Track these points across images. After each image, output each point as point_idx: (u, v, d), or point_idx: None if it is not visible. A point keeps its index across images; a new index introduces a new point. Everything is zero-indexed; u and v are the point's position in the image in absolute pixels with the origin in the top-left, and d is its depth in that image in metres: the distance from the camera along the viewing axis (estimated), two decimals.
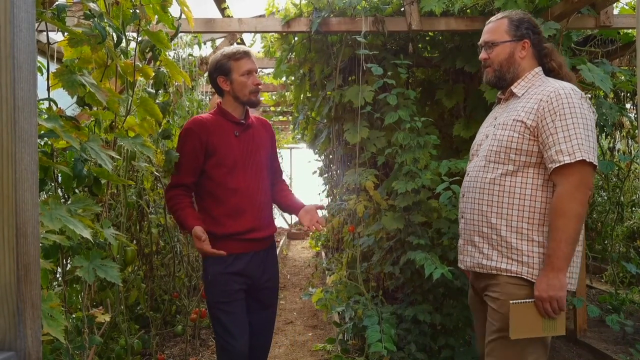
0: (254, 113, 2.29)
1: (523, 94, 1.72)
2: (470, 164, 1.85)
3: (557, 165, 1.54)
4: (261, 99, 2.21)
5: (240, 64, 2.03)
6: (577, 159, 1.52)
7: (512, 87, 1.77)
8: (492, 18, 1.84)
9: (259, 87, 2.07)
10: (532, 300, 1.57)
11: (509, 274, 1.63)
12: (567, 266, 1.55)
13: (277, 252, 6.00)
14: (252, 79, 2.04)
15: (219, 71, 2.06)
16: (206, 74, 4.46)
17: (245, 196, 2.02)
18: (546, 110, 1.59)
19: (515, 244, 1.62)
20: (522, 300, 1.57)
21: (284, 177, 2.44)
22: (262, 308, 2.15)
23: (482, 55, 1.82)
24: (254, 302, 2.12)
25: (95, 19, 1.51)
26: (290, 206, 2.24)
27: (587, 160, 1.52)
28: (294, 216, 10.70)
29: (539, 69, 1.77)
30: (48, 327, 1.16)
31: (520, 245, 1.62)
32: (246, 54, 2.05)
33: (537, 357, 1.62)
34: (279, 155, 2.53)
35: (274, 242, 2.24)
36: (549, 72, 1.79)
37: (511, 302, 1.57)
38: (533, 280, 1.60)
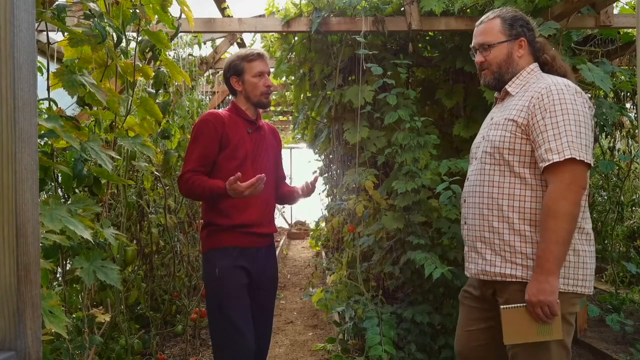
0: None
1: (517, 92, 1.67)
2: (470, 169, 1.81)
3: (547, 164, 1.50)
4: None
5: (252, 66, 2.07)
6: (566, 157, 1.47)
7: (506, 86, 1.71)
8: (483, 18, 1.75)
9: (270, 88, 2.12)
10: (524, 305, 1.51)
11: (514, 280, 1.58)
12: (558, 268, 1.49)
13: (277, 252, 6.03)
14: (263, 81, 2.09)
15: (232, 71, 2.10)
16: (206, 74, 4.48)
17: None
18: (537, 107, 1.54)
19: (519, 247, 1.58)
20: (513, 305, 1.53)
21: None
22: (260, 310, 2.13)
23: (479, 58, 1.74)
24: (252, 303, 2.09)
25: (95, 19, 1.52)
26: (291, 190, 2.28)
27: (577, 158, 1.47)
28: (294, 216, 10.55)
29: (534, 65, 1.71)
30: (49, 324, 1.17)
31: (525, 249, 1.57)
32: (259, 56, 2.09)
33: None
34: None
35: (274, 243, 2.25)
36: (544, 65, 1.73)
37: (502, 307, 1.54)
38: None
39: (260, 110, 2.22)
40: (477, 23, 1.77)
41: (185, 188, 2.01)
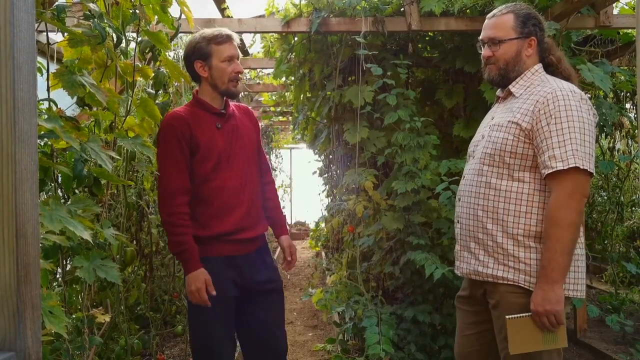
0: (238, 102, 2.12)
1: (521, 94, 1.65)
2: (466, 166, 1.78)
3: (550, 171, 1.49)
4: (241, 89, 2.07)
5: (221, 49, 1.84)
6: (570, 166, 1.46)
7: (510, 86, 1.68)
8: (495, 11, 1.71)
9: (240, 75, 1.89)
10: (529, 314, 1.50)
11: (506, 282, 1.58)
12: (563, 277, 1.48)
13: (277, 253, 6.01)
14: (233, 66, 1.86)
15: (197, 55, 1.85)
16: None
17: (232, 194, 1.85)
18: (542, 112, 1.52)
19: (512, 250, 1.57)
20: (518, 315, 1.51)
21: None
22: (264, 314, 1.95)
23: (486, 52, 1.69)
24: (257, 308, 1.93)
25: (95, 20, 1.52)
26: (273, 225, 2.11)
27: (581, 167, 1.46)
28: (293, 216, 10.43)
29: (539, 66, 1.68)
30: (49, 324, 1.17)
31: (517, 252, 1.56)
32: (229, 38, 1.87)
33: None
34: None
35: (266, 244, 2.04)
36: (548, 66, 1.70)
37: (507, 317, 1.52)
38: (531, 289, 1.54)
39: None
40: (488, 15, 1.73)
41: (169, 221, 1.79)
